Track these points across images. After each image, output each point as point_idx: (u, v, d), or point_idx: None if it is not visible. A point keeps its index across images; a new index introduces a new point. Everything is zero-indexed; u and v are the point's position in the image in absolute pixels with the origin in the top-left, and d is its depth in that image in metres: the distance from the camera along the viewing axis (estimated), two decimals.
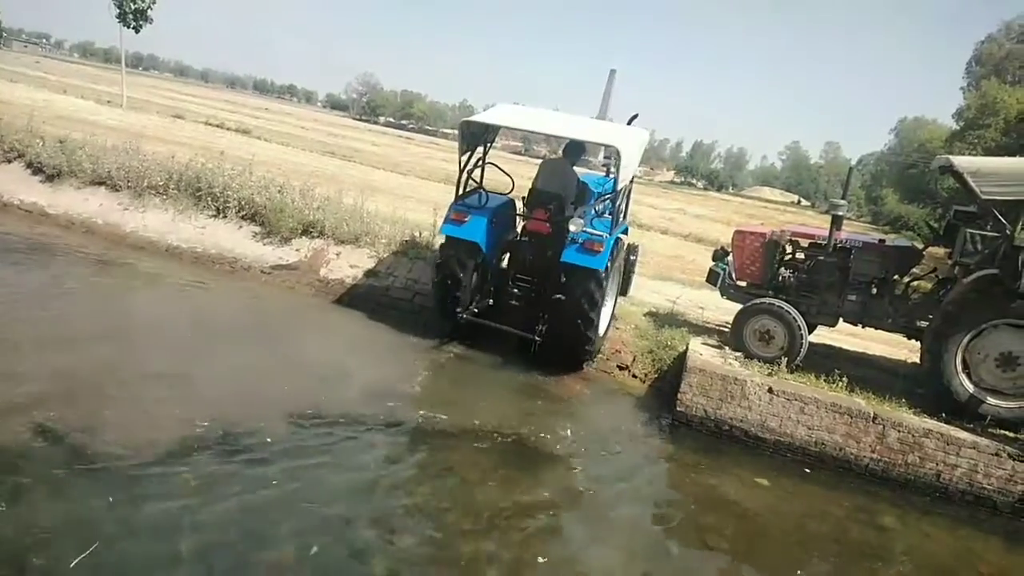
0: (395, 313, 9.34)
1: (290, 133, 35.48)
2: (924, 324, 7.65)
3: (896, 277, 8.11)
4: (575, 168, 9.08)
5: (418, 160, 35.36)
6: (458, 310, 8.27)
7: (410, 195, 17.54)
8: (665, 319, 9.44)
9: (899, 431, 6.88)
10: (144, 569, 3.96)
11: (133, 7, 28.81)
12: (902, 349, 9.21)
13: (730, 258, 8.81)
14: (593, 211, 8.26)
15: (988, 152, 36.50)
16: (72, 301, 7.94)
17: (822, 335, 9.11)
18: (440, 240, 10.25)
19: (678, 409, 7.47)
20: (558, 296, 8.06)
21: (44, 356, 6.22)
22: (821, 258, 8.22)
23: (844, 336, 9.60)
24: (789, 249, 8.59)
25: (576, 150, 9.13)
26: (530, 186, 8.76)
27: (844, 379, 7.39)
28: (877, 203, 67.85)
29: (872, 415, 6.96)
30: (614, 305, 9.14)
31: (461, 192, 8.48)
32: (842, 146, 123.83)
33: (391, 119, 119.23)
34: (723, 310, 9.75)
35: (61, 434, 4.97)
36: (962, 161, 7.15)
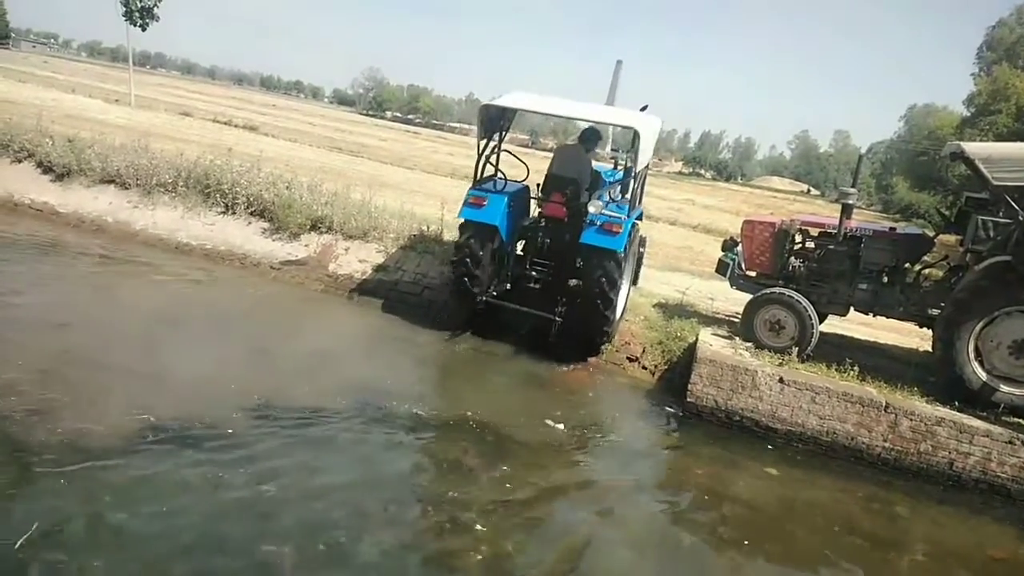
0: (404, 307, 9.36)
1: (297, 129, 35.57)
2: (936, 312, 7.60)
3: (907, 265, 8.06)
4: None
5: (425, 154, 35.40)
6: (476, 293, 8.31)
7: (417, 190, 17.56)
8: (674, 310, 9.42)
9: (911, 420, 6.85)
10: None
11: (139, 5, 28.99)
12: (913, 337, 9.16)
13: (740, 248, 8.77)
14: (608, 195, 8.31)
15: (1000, 138, 36.16)
16: (68, 293, 8.04)
17: (833, 324, 9.07)
18: (449, 233, 10.36)
19: (688, 400, 7.46)
20: (575, 280, 8.18)
21: (26, 346, 6.27)
22: (831, 247, 8.18)
23: (855, 325, 9.55)
24: (799, 239, 8.54)
25: (592, 138, 9.21)
26: (546, 172, 8.81)
27: (855, 368, 7.36)
28: (887, 191, 67.55)
29: (884, 404, 6.93)
30: (628, 293, 9.17)
31: (479, 177, 8.53)
32: (852, 134, 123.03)
33: (398, 114, 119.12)
34: (733, 300, 9.72)
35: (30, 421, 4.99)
36: (973, 147, 7.08)
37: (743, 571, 5.15)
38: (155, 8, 29.64)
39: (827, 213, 11.58)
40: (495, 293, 8.53)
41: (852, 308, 8.24)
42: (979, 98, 46.35)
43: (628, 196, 8.50)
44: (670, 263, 13.88)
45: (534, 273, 8.75)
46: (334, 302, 9.47)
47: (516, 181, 8.89)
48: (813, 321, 7.77)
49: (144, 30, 30.12)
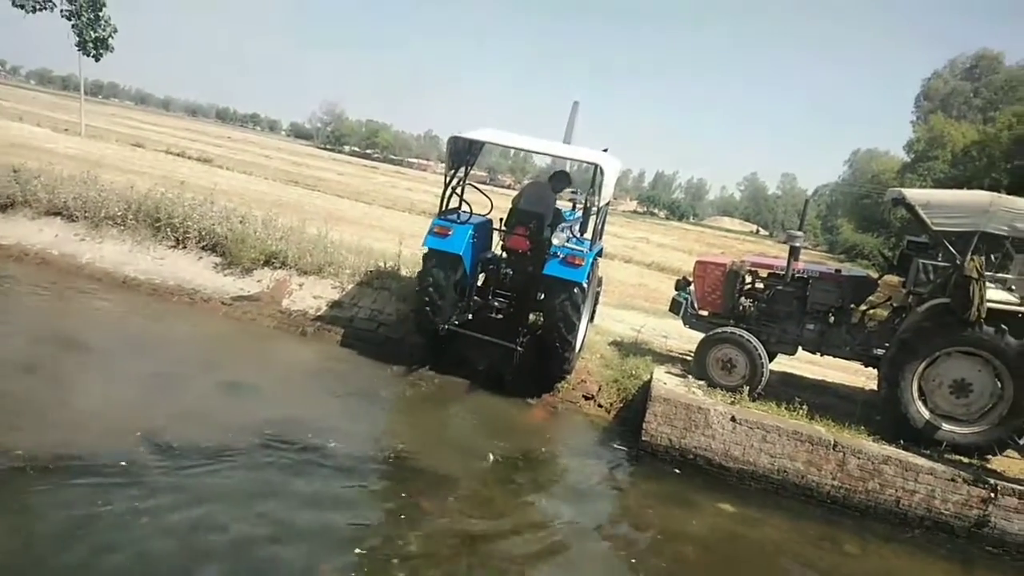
0: (360, 344, 9.24)
1: (253, 162, 35.24)
2: (881, 352, 7.82)
3: (852, 306, 8.30)
4: None
5: (383, 189, 35.34)
6: (439, 321, 8.32)
7: (375, 224, 17.50)
8: (630, 348, 9.51)
9: (859, 458, 6.99)
10: None
11: (94, 35, 28.51)
12: (859, 376, 9.39)
13: (692, 288, 8.93)
14: (568, 232, 8.45)
15: (937, 183, 37.88)
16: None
17: (782, 363, 9.25)
18: (407, 269, 10.33)
19: (643, 439, 7.49)
20: (536, 313, 8.36)
21: None
22: (780, 288, 8.39)
23: (804, 364, 9.76)
24: (749, 279, 8.75)
25: (563, 180, 9.48)
26: (511, 206, 8.94)
27: (804, 407, 7.50)
28: (833, 232, 69.67)
29: (832, 443, 7.07)
30: (586, 329, 9.24)
31: (444, 208, 8.60)
32: (798, 177, 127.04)
33: (356, 148, 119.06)
34: (686, 339, 9.85)
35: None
36: (914, 194, 7.40)
37: None
38: (110, 39, 29.24)
39: (775, 253, 11.90)
40: (457, 322, 8.52)
41: (800, 347, 8.43)
42: (918, 145, 48.62)
43: (589, 232, 8.64)
44: (625, 301, 14.03)
45: (496, 304, 8.81)
46: (286, 338, 9.29)
47: (480, 215, 8.97)
48: (763, 360, 7.92)
49: (98, 60, 29.65)
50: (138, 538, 4.42)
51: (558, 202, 9.63)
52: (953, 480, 6.78)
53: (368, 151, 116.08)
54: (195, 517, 4.75)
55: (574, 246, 8.20)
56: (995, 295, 6.95)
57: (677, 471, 7.27)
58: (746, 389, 7.78)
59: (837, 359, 8.45)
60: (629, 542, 5.94)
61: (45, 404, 6.01)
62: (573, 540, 5.69)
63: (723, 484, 7.17)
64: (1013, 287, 7.14)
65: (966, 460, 7.05)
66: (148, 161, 23.08)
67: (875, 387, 8.01)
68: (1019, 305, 6.93)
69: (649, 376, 8.34)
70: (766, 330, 8.37)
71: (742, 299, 8.63)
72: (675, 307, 9.03)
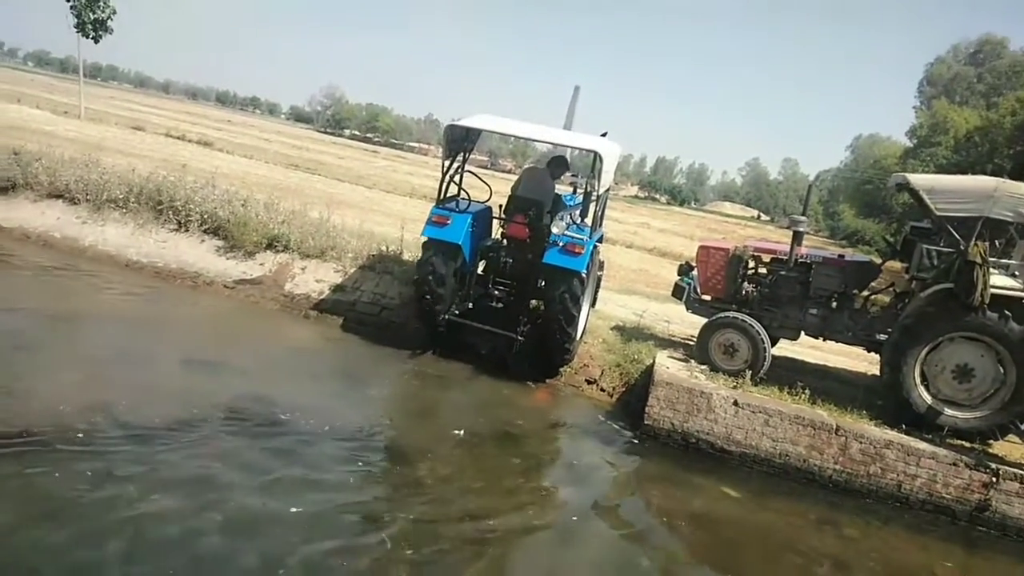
0: (362, 327, 9.26)
1: (253, 146, 35.11)
2: (883, 337, 7.83)
3: (855, 291, 8.30)
4: None
5: (384, 173, 35.25)
6: (439, 311, 8.30)
7: (376, 208, 17.47)
8: (632, 333, 9.52)
9: (861, 442, 7.02)
10: None
11: (92, 17, 28.26)
12: (862, 361, 9.41)
13: (695, 272, 8.93)
14: (569, 218, 8.43)
15: (940, 169, 37.74)
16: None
17: (784, 348, 9.27)
18: (409, 253, 10.32)
19: (645, 423, 7.51)
20: (536, 301, 8.29)
21: None
22: (783, 273, 8.38)
23: (806, 349, 9.77)
24: (752, 264, 8.74)
25: (561, 165, 9.37)
26: (510, 193, 8.87)
27: (807, 391, 7.53)
28: (834, 218, 69.57)
29: (835, 427, 7.09)
30: (588, 315, 9.24)
31: (443, 196, 8.56)
32: (800, 162, 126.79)
33: (356, 132, 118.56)
34: (688, 324, 9.86)
35: None
36: (918, 179, 7.39)
37: None
38: (109, 20, 28.99)
39: (777, 239, 11.91)
40: (457, 312, 8.51)
41: (803, 332, 8.44)
42: (920, 130, 48.43)
43: (589, 218, 8.62)
44: (627, 286, 14.04)
45: (496, 292, 8.80)
46: (288, 321, 9.31)
47: (479, 202, 8.94)
48: (766, 345, 7.94)
49: (97, 42, 29.41)
50: (127, 508, 4.48)
51: (558, 187, 9.60)
52: (955, 464, 6.82)
53: (368, 135, 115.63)
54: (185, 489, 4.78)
55: (574, 234, 8.16)
56: (999, 280, 6.95)
57: (680, 454, 7.30)
58: (748, 373, 7.80)
59: (839, 344, 8.46)
60: (630, 523, 5.98)
61: (28, 379, 6.02)
62: (573, 520, 5.72)
63: (725, 468, 7.20)
64: (1017, 273, 7.13)
65: (968, 445, 7.08)
66: (149, 144, 22.99)
67: (877, 372, 8.03)
68: (1023, 291, 6.93)
69: (651, 360, 8.35)
70: (768, 315, 8.37)
71: (745, 284, 8.62)
72: (678, 292, 9.03)
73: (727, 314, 8.22)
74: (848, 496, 6.99)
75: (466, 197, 8.83)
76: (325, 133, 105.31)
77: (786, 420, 7.19)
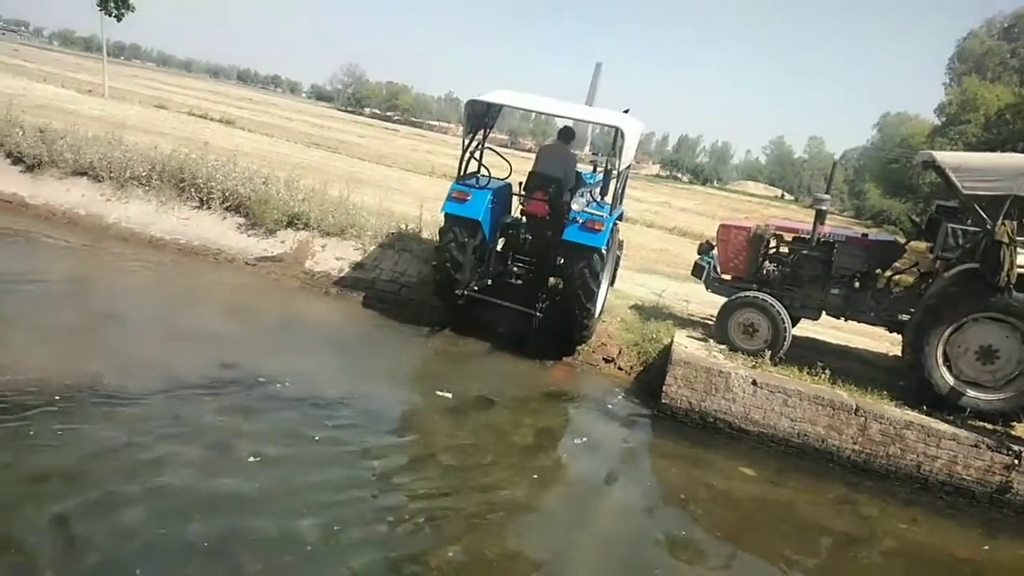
0: (381, 305, 9.33)
1: (274, 124, 35.23)
2: (906, 317, 7.74)
3: (878, 271, 8.20)
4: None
5: (404, 152, 35.22)
6: (458, 287, 8.32)
7: (396, 187, 17.48)
8: (650, 312, 9.50)
9: (881, 423, 6.97)
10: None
11: None
12: (883, 342, 9.32)
13: (715, 252, 8.87)
14: (589, 195, 8.38)
15: (969, 147, 36.98)
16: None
17: (805, 328, 9.20)
18: (428, 232, 10.34)
19: (663, 401, 7.52)
20: (556, 278, 8.31)
21: None
22: (805, 252, 8.29)
23: (827, 329, 9.69)
24: (773, 243, 8.65)
25: (568, 135, 9.24)
26: (529, 170, 8.83)
27: (827, 371, 7.48)
28: (860, 197, 68.53)
29: (854, 407, 7.05)
30: (606, 293, 9.23)
31: (463, 173, 8.56)
32: (825, 141, 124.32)
33: (376, 111, 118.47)
34: (708, 303, 9.81)
35: None
36: (944, 156, 7.24)
37: (715, 569, 5.21)
38: None
39: (801, 218, 11.74)
40: (476, 288, 8.54)
41: (824, 312, 8.36)
42: (949, 108, 47.40)
43: (609, 196, 8.56)
44: (646, 265, 13.96)
45: (515, 269, 8.81)
46: (310, 298, 9.39)
47: (499, 179, 8.92)
48: (786, 325, 7.88)
49: (119, 20, 29.55)
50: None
51: (579, 165, 9.53)
52: (976, 446, 6.75)
53: (389, 113, 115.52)
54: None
55: (594, 211, 8.13)
56: None
57: (697, 433, 7.31)
58: (768, 353, 7.76)
59: (861, 324, 8.38)
60: (645, 500, 6.01)
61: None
62: (588, 495, 5.77)
63: (742, 447, 7.20)
64: None
65: (990, 426, 7.01)
66: (171, 122, 23.13)
67: (899, 353, 7.95)
68: None
69: (670, 340, 8.33)
70: (789, 294, 8.30)
71: (766, 263, 8.54)
72: (697, 271, 8.97)
73: (747, 294, 8.17)
74: (867, 477, 6.96)
75: (486, 174, 8.81)
76: (346, 112, 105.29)
77: (805, 400, 7.15)
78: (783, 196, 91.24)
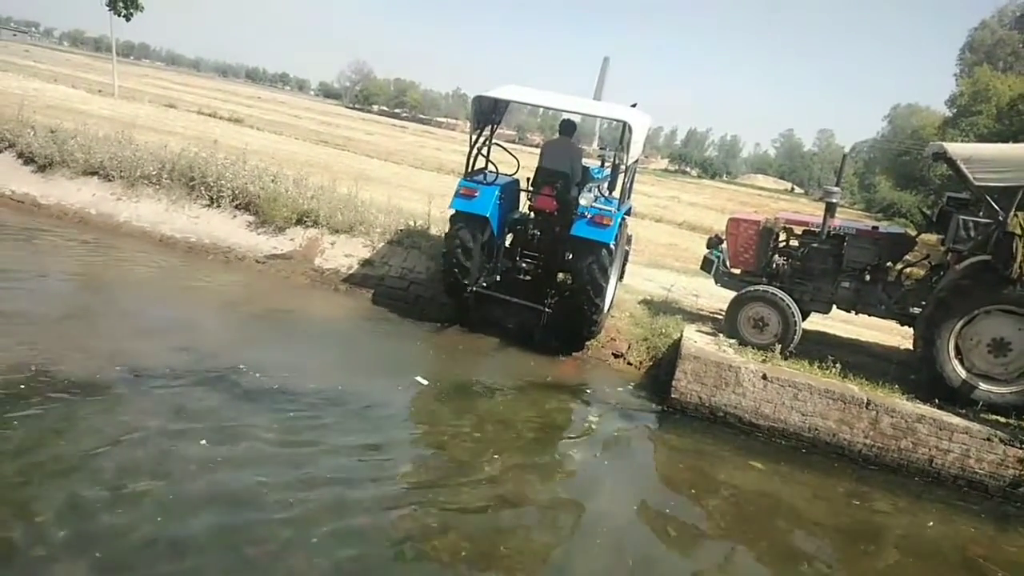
0: (391, 302, 9.35)
1: (283, 122, 35.35)
2: (917, 310, 7.70)
3: (889, 264, 8.15)
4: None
5: (412, 149, 35.27)
6: (466, 284, 8.33)
7: (404, 184, 17.52)
8: (659, 307, 9.48)
9: (892, 417, 6.94)
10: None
11: None
12: (895, 335, 9.27)
13: (724, 246, 8.84)
14: (597, 191, 8.37)
15: (981, 139, 36.65)
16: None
17: (815, 322, 9.15)
18: (436, 228, 10.36)
19: (673, 396, 7.51)
20: (564, 274, 8.32)
21: None
22: (815, 245, 8.26)
23: (837, 323, 9.65)
24: (783, 236, 8.62)
25: (569, 128, 9.17)
26: (536, 165, 8.82)
27: (837, 365, 7.44)
28: (870, 190, 68.06)
29: (865, 401, 7.01)
30: (615, 288, 9.22)
31: (470, 169, 8.56)
32: (835, 133, 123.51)
33: (384, 108, 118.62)
34: (717, 297, 9.78)
35: None
36: (956, 148, 7.18)
37: (726, 564, 5.20)
38: None
39: (811, 211, 11.68)
40: (484, 284, 8.54)
41: (835, 306, 8.33)
42: (961, 99, 46.92)
43: (617, 191, 8.54)
44: (655, 260, 13.94)
45: (524, 265, 8.81)
46: (319, 295, 9.42)
47: (506, 175, 8.92)
48: (796, 319, 7.85)
49: (128, 20, 29.74)
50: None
51: (586, 160, 9.51)
52: (989, 439, 6.71)
53: (397, 110, 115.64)
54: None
55: (602, 206, 8.11)
56: None
57: (707, 428, 7.30)
58: (778, 347, 7.73)
59: (872, 318, 8.33)
60: (655, 494, 6.00)
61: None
62: (598, 490, 5.76)
63: (752, 441, 7.18)
64: None
65: (1002, 420, 6.96)
66: (180, 121, 23.26)
67: (910, 346, 7.91)
68: None
69: (679, 334, 8.31)
70: (800, 288, 8.27)
71: (775, 257, 8.51)
72: (707, 265, 8.95)
73: (757, 287, 8.14)
74: (878, 471, 6.93)
75: (494, 170, 8.81)
76: (353, 109, 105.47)
77: (816, 394, 7.13)
78: (793, 189, 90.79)
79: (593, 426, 7.06)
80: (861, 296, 8.13)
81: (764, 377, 7.26)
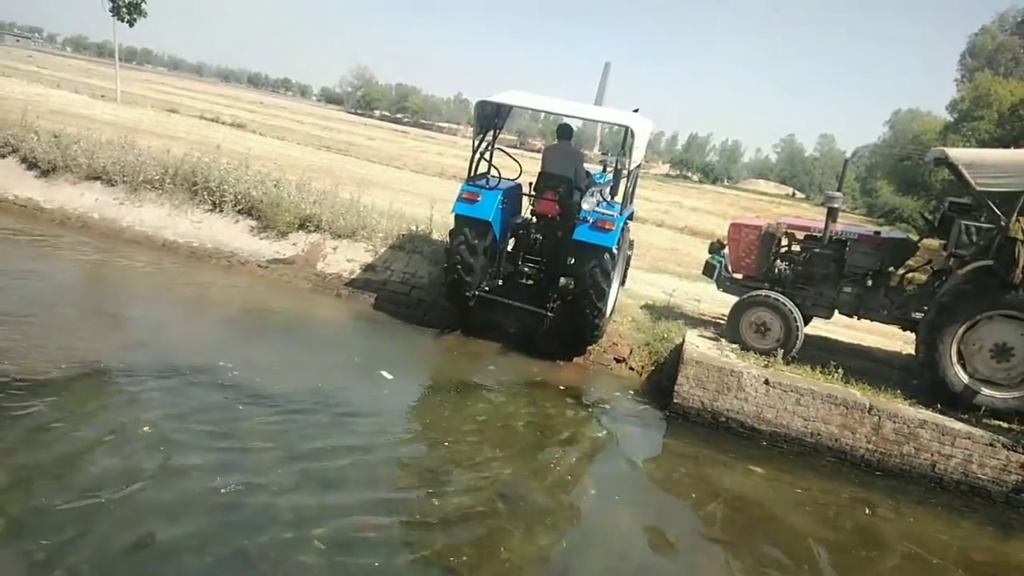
0: (393, 307, 9.36)
1: (285, 127, 35.43)
2: (919, 316, 7.69)
3: (891, 269, 8.15)
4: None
5: (414, 154, 35.33)
6: (469, 288, 8.35)
7: (406, 189, 17.55)
8: (661, 312, 9.48)
9: (895, 422, 6.93)
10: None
11: (126, 1, 28.67)
12: (897, 340, 9.26)
13: (726, 251, 8.84)
14: (599, 196, 8.37)
15: (982, 144, 36.63)
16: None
17: (817, 327, 9.15)
18: (438, 233, 10.37)
19: (675, 401, 7.50)
20: (566, 279, 8.32)
21: None
22: (817, 250, 8.26)
23: (839, 328, 9.64)
24: (785, 241, 8.62)
25: (567, 132, 9.17)
26: (539, 170, 8.83)
27: (840, 370, 7.44)
28: (871, 195, 68.08)
29: (868, 406, 7.01)
30: (617, 293, 9.22)
31: (473, 174, 8.57)
32: (837, 138, 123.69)
33: (386, 113, 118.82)
34: (719, 302, 9.78)
35: None
36: (957, 153, 7.19)
37: (727, 569, 5.19)
38: (142, 4, 29.40)
39: (812, 216, 11.69)
40: (487, 288, 8.55)
41: (837, 311, 8.33)
42: (962, 104, 46.96)
43: (619, 195, 8.55)
44: (657, 265, 13.95)
45: (526, 270, 8.81)
46: (321, 299, 9.44)
47: (509, 179, 8.93)
48: (798, 323, 7.85)
49: (131, 26, 29.86)
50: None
51: (587, 165, 9.52)
52: (991, 445, 6.70)
53: (398, 115, 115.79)
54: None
55: (604, 210, 8.13)
56: None
57: (709, 433, 7.29)
58: (780, 352, 7.73)
59: (874, 323, 8.33)
60: (660, 500, 6.00)
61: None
62: (599, 495, 5.75)
63: (755, 446, 7.17)
64: None
65: (1005, 425, 6.95)
66: (183, 126, 23.33)
67: (912, 352, 7.90)
68: None
69: (681, 339, 8.32)
70: (802, 293, 8.27)
71: (777, 262, 8.51)
72: (708, 270, 8.95)
73: (759, 292, 8.14)
74: (880, 476, 6.92)
75: (496, 174, 8.82)
76: (355, 114, 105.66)
77: (818, 399, 7.12)
78: (794, 194, 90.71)
79: (594, 431, 7.06)
80: (863, 301, 8.13)
81: (766, 382, 7.26)
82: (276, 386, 6.28)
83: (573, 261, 8.27)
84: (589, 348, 8.61)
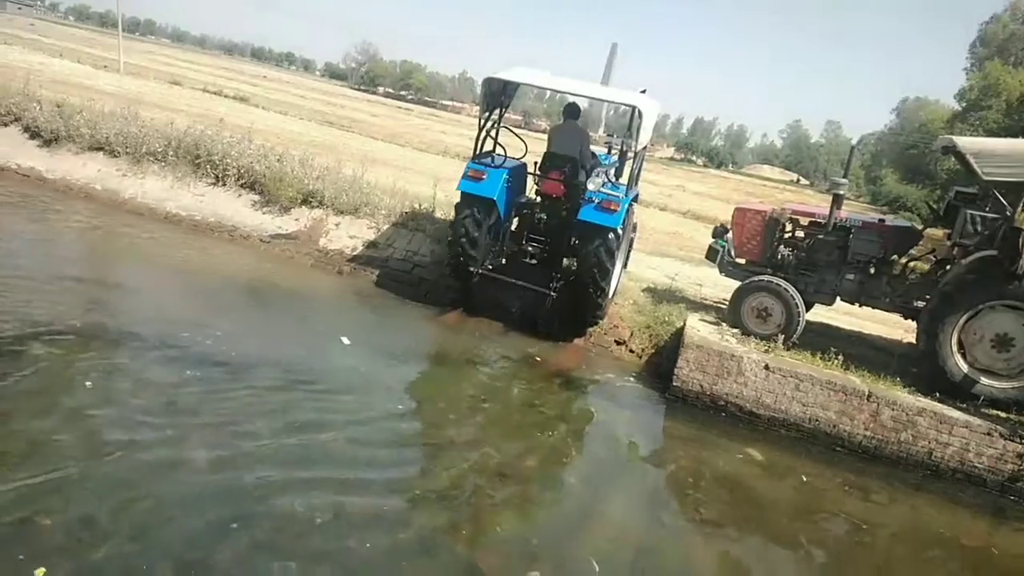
0: (394, 284, 9.36)
1: (288, 102, 35.17)
2: (921, 304, 7.69)
3: (894, 257, 8.14)
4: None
5: (417, 132, 35.12)
6: (472, 266, 8.34)
7: (409, 167, 17.46)
8: (663, 295, 9.48)
9: (893, 409, 6.95)
10: None
11: None
12: (898, 329, 9.27)
13: (729, 235, 8.82)
14: (604, 177, 8.34)
15: (990, 133, 36.39)
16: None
17: (818, 313, 9.15)
18: (441, 211, 10.35)
19: (674, 384, 7.52)
20: (569, 259, 8.32)
21: None
22: (820, 237, 8.24)
23: (840, 315, 9.64)
24: (789, 227, 8.60)
25: (574, 112, 9.13)
26: (544, 149, 8.80)
27: (840, 357, 7.45)
28: (876, 183, 67.76)
29: (867, 393, 7.03)
30: (620, 275, 9.21)
31: (478, 151, 8.54)
32: (843, 125, 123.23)
33: (390, 90, 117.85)
34: (721, 287, 9.78)
35: None
36: (965, 142, 7.14)
37: (723, 551, 5.24)
38: None
39: (817, 203, 11.67)
40: (490, 267, 8.55)
41: (838, 298, 8.32)
42: (970, 93, 46.54)
43: (625, 177, 8.51)
44: (660, 248, 13.92)
45: (530, 249, 8.80)
46: (323, 276, 9.44)
47: (514, 158, 8.89)
48: (800, 309, 7.85)
49: None
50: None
51: (594, 146, 9.47)
52: (989, 434, 6.73)
53: (402, 92, 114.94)
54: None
55: (609, 191, 8.09)
56: None
57: (708, 416, 7.32)
58: (781, 338, 7.73)
59: (876, 311, 8.33)
60: (657, 483, 6.04)
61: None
62: (598, 478, 5.80)
63: (753, 431, 7.21)
64: None
65: (1003, 415, 6.97)
66: (186, 99, 23.17)
67: (913, 340, 7.91)
68: None
69: (682, 323, 8.32)
70: (804, 279, 8.26)
71: (781, 247, 8.50)
72: (711, 255, 8.93)
73: (761, 278, 8.13)
74: (877, 462, 6.96)
75: (502, 153, 8.78)
76: (359, 90, 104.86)
77: (817, 385, 7.14)
78: (799, 180, 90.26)
79: (594, 414, 7.09)
80: (865, 288, 8.12)
81: (766, 367, 7.28)
82: (269, 355, 6.31)
83: (577, 241, 8.26)
84: (590, 329, 8.62)
